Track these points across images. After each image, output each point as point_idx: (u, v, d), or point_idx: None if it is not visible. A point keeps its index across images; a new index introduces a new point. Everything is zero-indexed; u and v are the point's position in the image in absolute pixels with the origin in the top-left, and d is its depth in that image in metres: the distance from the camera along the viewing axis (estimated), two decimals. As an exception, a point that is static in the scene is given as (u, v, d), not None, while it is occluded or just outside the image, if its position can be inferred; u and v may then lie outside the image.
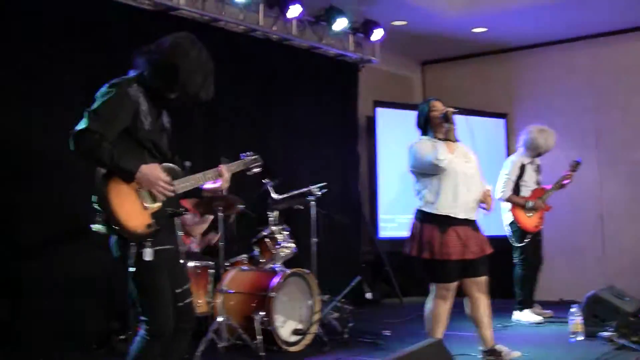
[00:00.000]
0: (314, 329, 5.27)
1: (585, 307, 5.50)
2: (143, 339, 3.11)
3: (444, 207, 4.42)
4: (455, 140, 4.59)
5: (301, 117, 7.28)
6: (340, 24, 7.18)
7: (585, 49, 8.39)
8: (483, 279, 4.55)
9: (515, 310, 6.35)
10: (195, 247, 5.58)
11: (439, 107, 4.58)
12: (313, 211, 5.88)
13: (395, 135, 8.07)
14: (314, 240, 5.88)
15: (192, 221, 5.52)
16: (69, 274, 5.05)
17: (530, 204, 6.28)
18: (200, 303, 5.01)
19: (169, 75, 3.13)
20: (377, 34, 7.63)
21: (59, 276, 5.00)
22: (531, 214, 6.31)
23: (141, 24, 5.67)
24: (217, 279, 5.21)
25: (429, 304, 4.56)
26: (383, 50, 8.16)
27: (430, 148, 4.46)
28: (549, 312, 6.41)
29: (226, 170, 3.42)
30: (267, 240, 5.51)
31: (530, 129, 6.40)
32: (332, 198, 6.36)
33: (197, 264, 5.13)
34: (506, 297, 6.64)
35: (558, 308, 6.52)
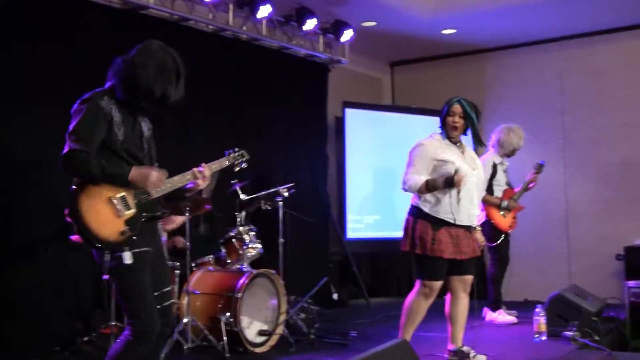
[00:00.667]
0: (280, 329, 5.26)
1: (548, 307, 5.57)
2: (126, 339, 3.14)
3: (445, 213, 4.42)
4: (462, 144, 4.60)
5: (270, 117, 7.26)
6: (310, 24, 7.19)
7: (554, 51, 8.50)
8: (469, 278, 4.60)
9: (489, 310, 6.38)
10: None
11: (457, 112, 4.51)
12: (281, 212, 5.89)
13: (364, 136, 8.10)
14: (281, 240, 5.89)
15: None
16: (39, 275, 5.01)
17: (505, 203, 6.33)
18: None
19: (131, 85, 3.18)
20: (347, 35, 7.65)
21: (29, 277, 4.97)
22: (505, 214, 6.36)
23: (110, 23, 5.63)
24: (184, 279, 5.18)
25: (411, 298, 4.55)
26: (353, 51, 8.18)
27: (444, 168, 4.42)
28: (513, 312, 6.46)
29: (207, 168, 3.43)
30: (234, 240, 5.50)
31: (500, 129, 6.43)
32: (300, 198, 6.34)
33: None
34: (472, 298, 6.67)
35: (523, 308, 6.60)
